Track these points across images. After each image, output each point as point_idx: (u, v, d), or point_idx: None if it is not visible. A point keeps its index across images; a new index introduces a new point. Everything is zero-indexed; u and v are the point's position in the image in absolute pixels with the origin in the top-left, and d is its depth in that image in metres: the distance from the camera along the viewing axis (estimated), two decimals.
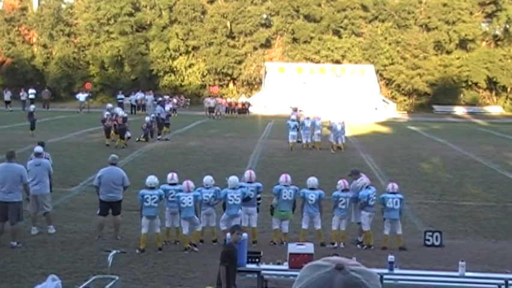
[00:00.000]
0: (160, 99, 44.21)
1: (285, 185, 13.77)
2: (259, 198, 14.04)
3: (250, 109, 50.31)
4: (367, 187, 13.63)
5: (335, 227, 13.60)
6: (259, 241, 13.36)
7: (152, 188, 13.12)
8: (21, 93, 49.79)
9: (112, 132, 29.04)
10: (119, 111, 31.76)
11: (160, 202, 13.30)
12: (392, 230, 13.48)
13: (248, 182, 13.96)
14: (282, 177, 14.08)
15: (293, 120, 29.52)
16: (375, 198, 13.65)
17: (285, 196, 13.67)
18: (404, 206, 17.41)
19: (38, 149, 15.17)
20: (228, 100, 51.99)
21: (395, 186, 13.94)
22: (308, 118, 30.07)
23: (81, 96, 50.13)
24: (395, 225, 13.49)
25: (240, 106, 50.30)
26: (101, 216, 13.93)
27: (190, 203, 13.03)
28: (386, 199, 13.52)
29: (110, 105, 34.96)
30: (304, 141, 29.37)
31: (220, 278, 9.26)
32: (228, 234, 10.54)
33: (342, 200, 13.55)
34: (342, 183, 13.83)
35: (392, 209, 13.44)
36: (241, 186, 13.59)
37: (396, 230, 13.47)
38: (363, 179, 13.94)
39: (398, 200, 13.54)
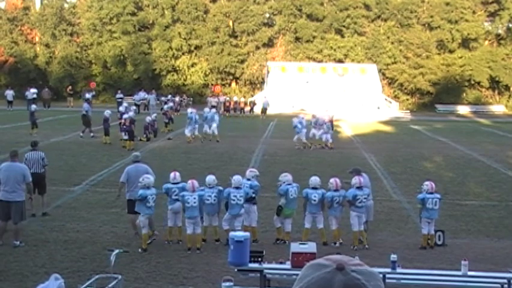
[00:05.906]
0: (87, 96, 44.37)
1: (289, 184, 13.78)
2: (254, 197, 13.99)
3: (255, 108, 50.27)
4: (357, 187, 13.55)
5: (334, 226, 13.58)
6: (261, 240, 13.36)
7: (148, 188, 13.11)
8: (26, 93, 49.29)
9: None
10: (129, 112, 31.29)
11: (157, 200, 13.30)
12: (429, 229, 13.51)
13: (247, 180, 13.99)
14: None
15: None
16: (364, 200, 13.51)
17: (291, 195, 13.68)
18: (407, 205, 17.56)
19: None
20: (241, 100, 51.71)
21: (433, 185, 13.86)
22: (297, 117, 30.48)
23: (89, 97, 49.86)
24: (431, 224, 13.55)
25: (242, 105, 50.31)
26: (131, 215, 13.89)
27: (195, 202, 13.03)
28: (427, 199, 13.49)
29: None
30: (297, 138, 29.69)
31: None
32: (231, 233, 10.54)
33: (336, 200, 13.54)
34: (333, 182, 13.78)
35: (432, 209, 13.47)
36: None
37: (431, 229, 13.53)
38: (356, 179, 13.79)
39: (437, 200, 13.57)
